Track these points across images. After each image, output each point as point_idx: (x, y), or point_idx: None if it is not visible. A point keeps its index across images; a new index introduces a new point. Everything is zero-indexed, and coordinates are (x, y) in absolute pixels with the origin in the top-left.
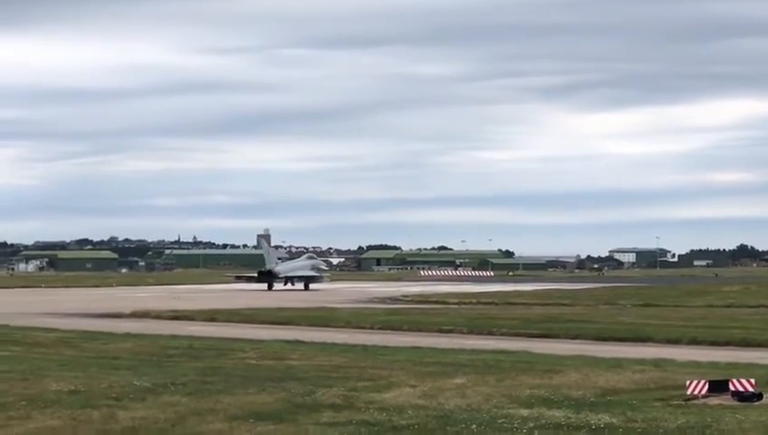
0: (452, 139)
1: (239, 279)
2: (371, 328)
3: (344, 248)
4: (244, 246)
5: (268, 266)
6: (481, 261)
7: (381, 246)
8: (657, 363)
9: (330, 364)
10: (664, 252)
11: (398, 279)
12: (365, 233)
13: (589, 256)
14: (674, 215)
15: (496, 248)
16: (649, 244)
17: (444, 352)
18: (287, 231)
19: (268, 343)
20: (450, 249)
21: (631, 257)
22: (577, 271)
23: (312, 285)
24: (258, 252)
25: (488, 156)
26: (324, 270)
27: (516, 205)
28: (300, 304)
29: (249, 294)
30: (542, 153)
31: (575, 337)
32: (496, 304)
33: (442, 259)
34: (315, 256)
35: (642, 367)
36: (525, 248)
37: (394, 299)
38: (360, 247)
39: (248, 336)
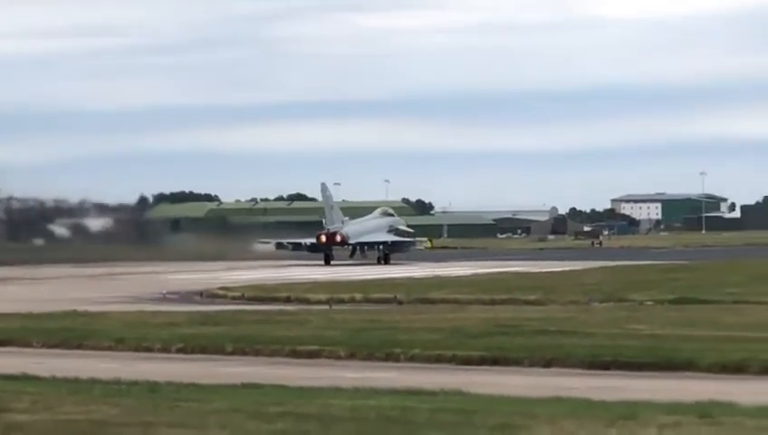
0: None
1: (281, 248)
2: (165, 350)
3: (111, 203)
4: None
5: (332, 228)
6: None
7: (182, 195)
8: (706, 411)
9: (87, 420)
10: (715, 201)
11: (218, 258)
12: (149, 172)
13: (574, 210)
14: (734, 131)
15: (399, 198)
16: (689, 187)
17: (303, 395)
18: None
19: None
20: (312, 199)
21: (654, 211)
22: (552, 237)
23: (394, 256)
24: None
25: (379, 23)
26: (409, 232)
27: (436, 116)
28: (29, 306)
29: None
30: (487, 16)
31: (549, 364)
32: (400, 302)
33: (298, 219)
34: (392, 210)
35: (677, 418)
36: (454, 197)
37: (209, 295)
38: (141, 199)
39: None
